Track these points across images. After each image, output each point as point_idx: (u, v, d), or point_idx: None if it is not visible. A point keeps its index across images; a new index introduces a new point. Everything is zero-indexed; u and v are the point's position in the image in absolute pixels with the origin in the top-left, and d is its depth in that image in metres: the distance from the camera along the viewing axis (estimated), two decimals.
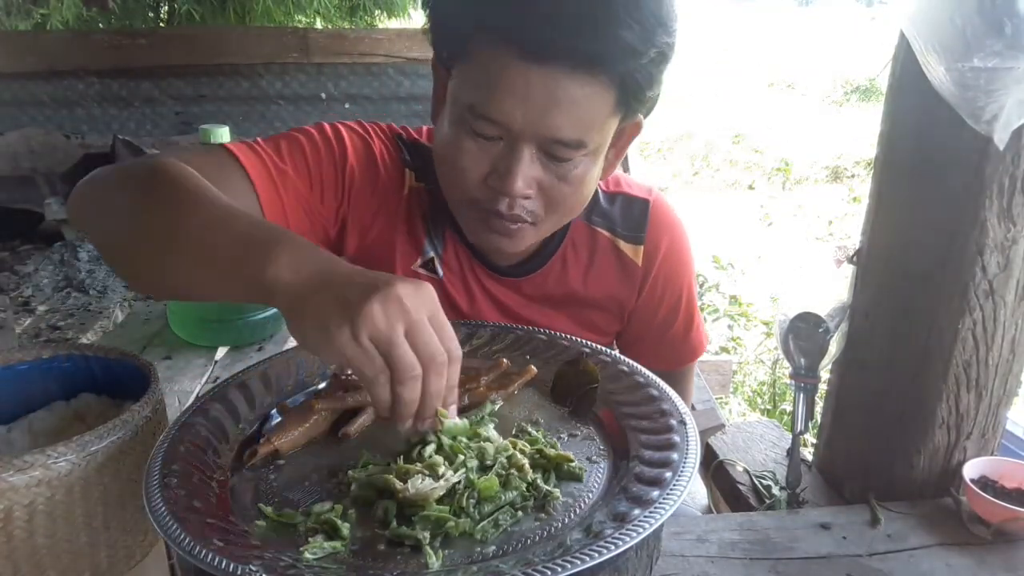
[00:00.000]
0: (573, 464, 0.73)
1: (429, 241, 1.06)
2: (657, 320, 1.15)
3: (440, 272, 1.07)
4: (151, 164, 0.80)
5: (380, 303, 0.60)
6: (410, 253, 1.06)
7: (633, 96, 0.85)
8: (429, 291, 0.64)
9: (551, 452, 0.74)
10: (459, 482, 0.66)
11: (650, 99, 0.89)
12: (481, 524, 0.64)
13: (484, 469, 0.70)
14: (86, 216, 0.83)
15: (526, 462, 0.70)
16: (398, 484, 0.66)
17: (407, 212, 1.05)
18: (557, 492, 0.69)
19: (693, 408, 1.83)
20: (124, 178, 0.82)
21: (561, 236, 1.08)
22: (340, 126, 1.03)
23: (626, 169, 3.26)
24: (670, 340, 1.17)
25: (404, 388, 0.63)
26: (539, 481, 0.69)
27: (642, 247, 1.10)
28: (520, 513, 0.66)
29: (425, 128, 1.11)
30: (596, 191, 1.09)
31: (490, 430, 0.76)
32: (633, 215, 1.10)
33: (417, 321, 0.62)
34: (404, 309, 0.61)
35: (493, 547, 0.62)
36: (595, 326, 1.14)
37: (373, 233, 1.04)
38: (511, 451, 0.72)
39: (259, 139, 0.96)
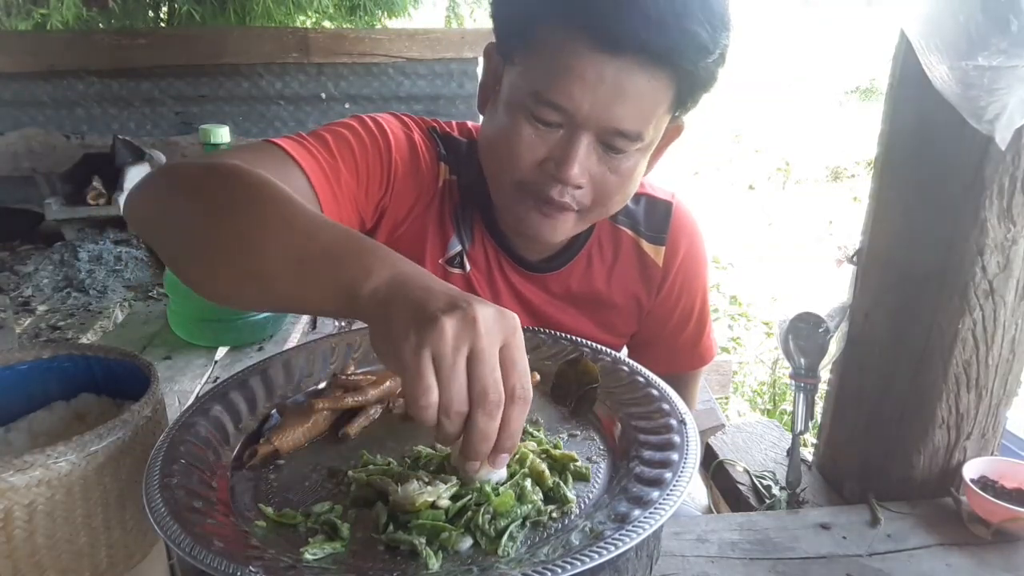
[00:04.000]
0: (579, 464, 0.73)
1: (457, 235, 1.07)
2: (671, 323, 1.16)
3: (467, 267, 1.07)
4: (219, 168, 0.75)
5: (453, 320, 0.56)
6: (439, 247, 1.07)
7: (690, 95, 0.88)
8: (512, 321, 0.59)
9: (556, 453, 0.74)
10: (469, 497, 0.66)
11: (700, 99, 0.91)
12: (504, 542, 0.62)
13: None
14: (153, 226, 0.78)
15: (545, 467, 0.70)
16: (391, 487, 0.66)
17: (439, 206, 1.05)
18: (572, 496, 0.69)
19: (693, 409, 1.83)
20: (194, 185, 0.76)
21: (588, 233, 1.09)
22: (380, 119, 1.01)
23: None
24: (681, 344, 1.18)
25: (447, 420, 0.58)
26: (561, 486, 0.69)
27: (663, 248, 1.11)
28: (532, 525, 0.65)
29: (455, 123, 1.11)
30: None
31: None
32: (656, 216, 1.11)
33: (484, 349, 0.57)
34: (476, 333, 0.56)
35: (512, 561, 0.61)
36: (614, 327, 1.14)
37: (405, 226, 1.04)
38: (530, 457, 0.71)
39: (303, 135, 0.94)
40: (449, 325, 0.56)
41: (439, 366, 0.56)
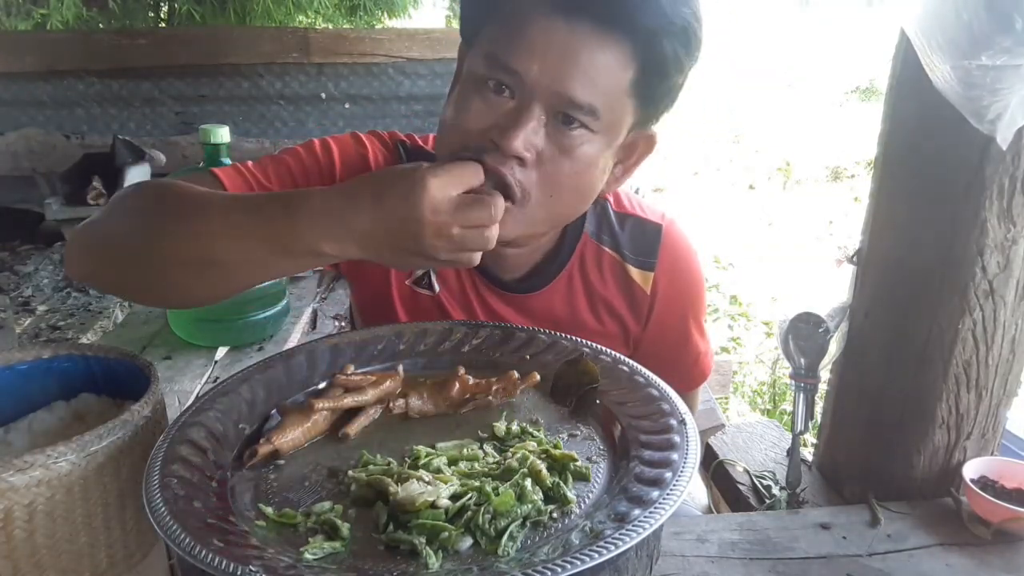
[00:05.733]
0: (579, 464, 0.73)
1: None
2: (663, 349, 1.11)
3: (436, 287, 1.01)
4: (141, 188, 0.84)
5: (429, 237, 0.70)
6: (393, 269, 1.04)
7: (655, 81, 0.83)
8: (429, 179, 0.70)
9: (556, 453, 0.74)
10: (469, 497, 0.66)
11: (667, 95, 0.87)
12: (504, 542, 0.62)
13: (503, 476, 0.70)
14: (93, 262, 0.86)
15: (543, 467, 0.70)
16: (391, 487, 0.66)
17: None
18: (572, 496, 0.69)
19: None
20: (117, 211, 0.84)
21: (568, 253, 1.04)
22: (332, 140, 1.02)
23: None
24: (675, 368, 1.10)
25: (488, 243, 0.74)
26: (561, 486, 0.69)
27: (652, 274, 1.06)
28: (532, 525, 0.65)
29: (431, 136, 1.09)
30: (607, 209, 1.06)
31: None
32: (645, 239, 1.06)
33: (456, 212, 0.71)
34: (449, 220, 0.70)
35: (512, 561, 0.61)
36: None
37: None
38: (530, 458, 0.71)
39: (248, 163, 0.97)
40: (426, 236, 0.70)
41: (453, 250, 0.72)
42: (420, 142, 1.07)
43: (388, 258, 0.74)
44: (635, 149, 0.93)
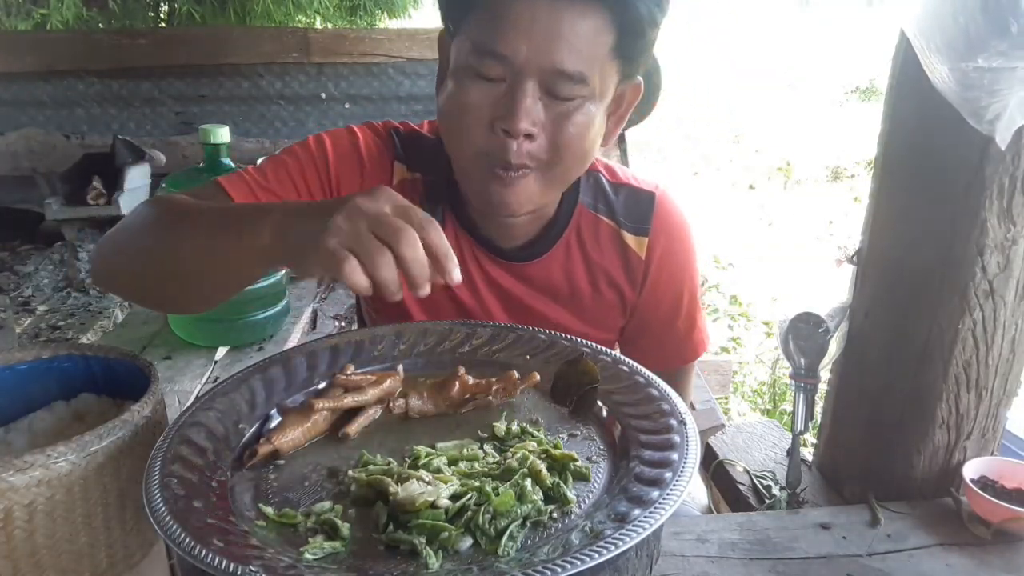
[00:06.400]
0: (579, 464, 0.73)
1: None
2: (659, 317, 1.14)
3: None
4: (148, 204, 0.91)
5: (340, 215, 0.66)
6: None
7: (634, 41, 0.88)
8: (385, 191, 0.69)
9: (556, 452, 0.74)
10: (469, 497, 0.66)
11: (646, 49, 0.92)
12: (504, 542, 0.62)
13: (503, 476, 0.70)
14: (107, 274, 0.95)
15: (543, 467, 0.70)
16: (391, 487, 0.66)
17: None
18: (572, 496, 0.69)
19: (693, 408, 1.83)
20: (127, 226, 0.91)
21: (565, 222, 1.07)
22: (324, 134, 1.05)
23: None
24: (671, 339, 1.17)
25: (377, 269, 0.65)
26: (561, 486, 0.69)
27: (646, 239, 1.09)
28: (532, 525, 0.66)
29: (426, 122, 1.12)
30: (601, 180, 1.10)
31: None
32: (639, 207, 1.10)
33: (378, 213, 0.66)
34: (363, 211, 0.66)
35: (512, 561, 0.61)
36: (599, 322, 1.13)
37: None
38: (530, 458, 0.72)
39: (251, 167, 1.02)
40: (340, 219, 0.66)
41: (352, 244, 0.65)
42: (416, 128, 1.11)
43: (293, 239, 0.72)
44: (623, 100, 0.98)
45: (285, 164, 1.02)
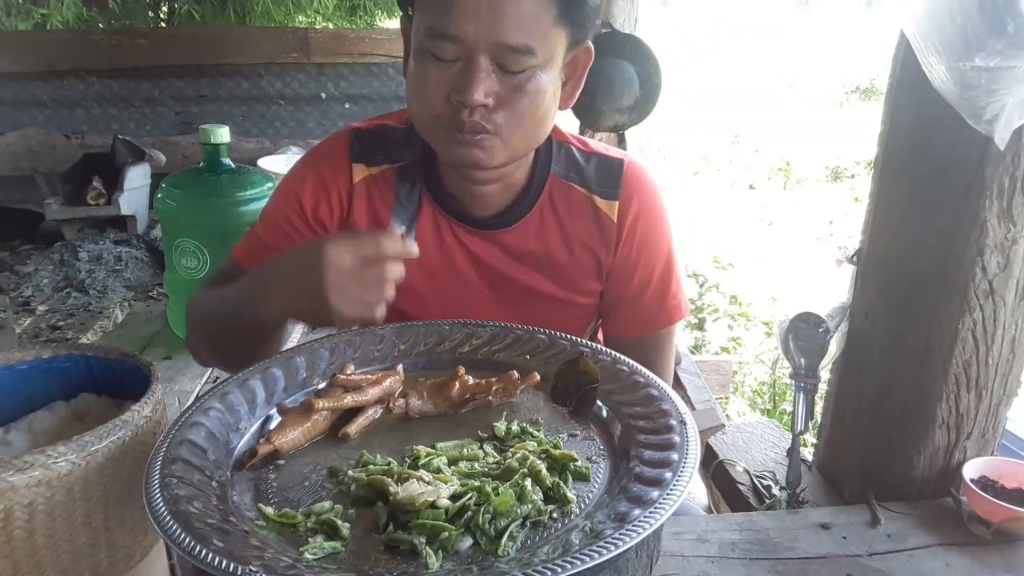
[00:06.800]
0: (579, 464, 0.73)
1: (396, 218, 1.11)
2: (634, 281, 1.14)
3: (415, 251, 1.11)
4: (193, 301, 1.12)
5: (334, 297, 0.81)
6: None
7: (575, 8, 0.93)
8: (339, 249, 0.82)
9: (556, 452, 0.74)
10: (469, 497, 0.66)
11: (591, 14, 0.97)
12: (504, 542, 0.62)
13: (503, 476, 0.70)
14: (203, 359, 1.21)
15: (543, 467, 0.70)
16: (391, 487, 0.66)
17: (366, 204, 1.12)
18: (572, 496, 0.69)
19: (692, 407, 1.83)
20: (190, 318, 1.13)
21: (538, 191, 1.11)
22: (292, 183, 1.14)
23: None
24: (647, 303, 1.15)
25: (380, 308, 0.85)
26: (561, 486, 0.69)
27: (617, 203, 1.12)
28: (532, 525, 0.66)
29: (398, 112, 1.17)
30: (572, 150, 1.14)
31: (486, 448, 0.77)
32: (609, 173, 1.13)
33: (355, 275, 0.82)
34: (344, 285, 0.82)
35: (512, 561, 0.61)
36: (576, 285, 1.14)
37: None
38: (530, 458, 0.72)
39: (253, 229, 1.16)
40: (331, 295, 0.81)
41: (353, 309, 0.83)
42: (381, 120, 1.17)
43: (323, 318, 0.85)
44: (577, 65, 1.03)
45: (275, 219, 1.13)
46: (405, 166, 1.12)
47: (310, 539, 0.63)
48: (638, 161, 1.16)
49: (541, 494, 0.68)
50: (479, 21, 0.89)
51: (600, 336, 1.25)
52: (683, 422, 0.76)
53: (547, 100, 0.97)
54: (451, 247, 1.12)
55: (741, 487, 1.35)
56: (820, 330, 1.25)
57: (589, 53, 1.03)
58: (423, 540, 0.61)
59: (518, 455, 0.73)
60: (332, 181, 1.12)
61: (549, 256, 1.12)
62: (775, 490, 1.30)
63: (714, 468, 1.43)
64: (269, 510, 0.67)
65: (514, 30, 0.90)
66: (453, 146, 0.98)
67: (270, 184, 1.90)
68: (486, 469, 0.72)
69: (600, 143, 1.17)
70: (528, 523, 0.65)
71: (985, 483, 1.12)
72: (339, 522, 0.65)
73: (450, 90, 0.93)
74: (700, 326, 3.96)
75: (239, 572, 0.55)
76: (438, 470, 0.71)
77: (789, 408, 2.04)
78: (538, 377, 0.88)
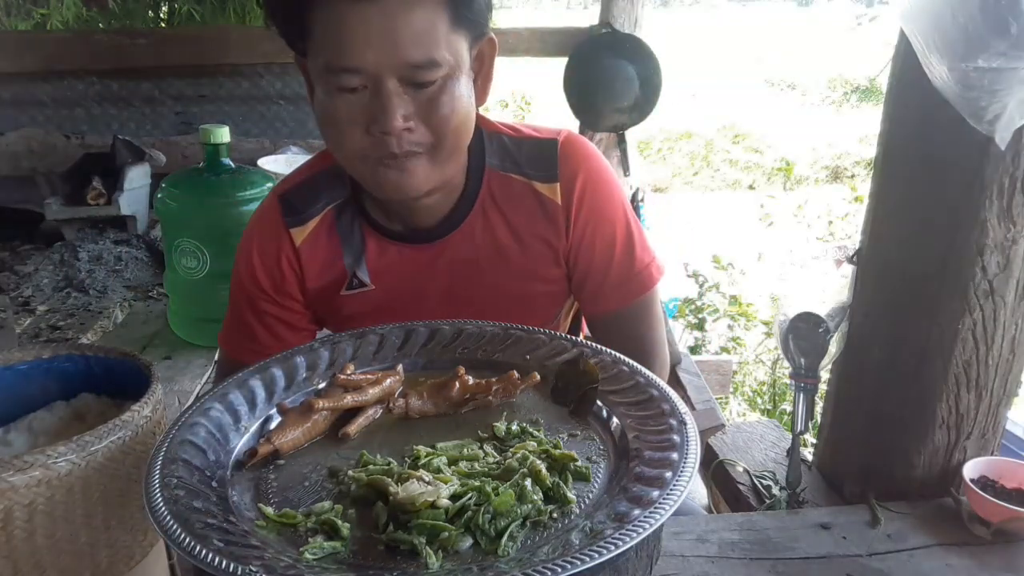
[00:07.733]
0: (579, 464, 0.73)
1: (348, 262, 1.11)
2: (595, 258, 1.12)
3: (367, 283, 1.11)
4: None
5: None
6: (336, 284, 1.13)
7: (465, 9, 0.92)
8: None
9: (556, 452, 0.74)
10: (469, 497, 0.66)
11: (484, 8, 0.96)
12: (504, 542, 0.62)
13: (503, 476, 0.70)
14: None
15: (543, 467, 0.70)
16: (391, 487, 0.66)
17: (316, 257, 1.12)
18: (572, 496, 0.69)
19: (692, 407, 1.83)
20: None
21: (477, 188, 1.09)
22: (243, 267, 1.15)
23: (626, 169, 3.24)
24: (615, 276, 1.12)
25: None
26: (561, 486, 0.69)
27: (558, 184, 1.10)
28: (532, 525, 0.66)
29: (317, 156, 1.17)
30: (504, 139, 1.12)
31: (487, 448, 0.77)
32: (543, 155, 1.11)
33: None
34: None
35: (512, 561, 0.61)
36: (535, 275, 1.12)
37: (310, 296, 1.15)
38: (530, 458, 0.71)
39: (228, 314, 1.20)
40: None
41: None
42: (305, 171, 1.16)
43: None
44: (483, 58, 1.02)
45: (244, 301, 1.16)
46: (341, 204, 1.11)
47: (310, 539, 0.63)
48: (572, 134, 1.13)
49: (541, 494, 0.68)
50: (377, 48, 0.87)
51: (584, 322, 1.24)
52: (683, 422, 0.76)
53: (464, 104, 0.96)
54: (402, 268, 1.11)
55: (741, 487, 1.35)
56: (820, 330, 1.25)
57: (493, 43, 1.02)
58: (423, 540, 0.61)
59: (518, 455, 0.73)
60: (276, 254, 1.12)
61: (501, 252, 1.11)
62: (775, 490, 1.30)
63: (714, 468, 1.43)
64: (269, 510, 0.67)
65: (413, 47, 0.88)
66: (385, 173, 0.96)
67: (270, 184, 1.90)
68: (486, 469, 0.72)
69: (531, 125, 1.15)
70: (528, 523, 0.65)
71: (985, 483, 1.12)
72: (339, 522, 0.65)
73: (367, 122, 0.92)
74: (700, 326, 3.96)
75: (239, 572, 0.55)
76: (438, 470, 0.71)
77: (789, 408, 2.04)
78: (538, 377, 0.88)
